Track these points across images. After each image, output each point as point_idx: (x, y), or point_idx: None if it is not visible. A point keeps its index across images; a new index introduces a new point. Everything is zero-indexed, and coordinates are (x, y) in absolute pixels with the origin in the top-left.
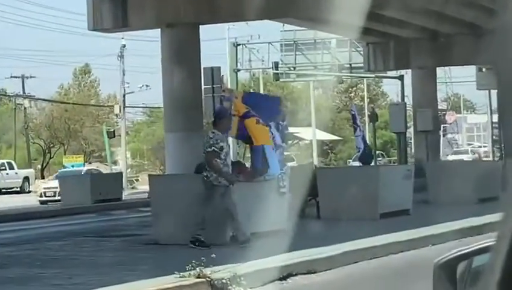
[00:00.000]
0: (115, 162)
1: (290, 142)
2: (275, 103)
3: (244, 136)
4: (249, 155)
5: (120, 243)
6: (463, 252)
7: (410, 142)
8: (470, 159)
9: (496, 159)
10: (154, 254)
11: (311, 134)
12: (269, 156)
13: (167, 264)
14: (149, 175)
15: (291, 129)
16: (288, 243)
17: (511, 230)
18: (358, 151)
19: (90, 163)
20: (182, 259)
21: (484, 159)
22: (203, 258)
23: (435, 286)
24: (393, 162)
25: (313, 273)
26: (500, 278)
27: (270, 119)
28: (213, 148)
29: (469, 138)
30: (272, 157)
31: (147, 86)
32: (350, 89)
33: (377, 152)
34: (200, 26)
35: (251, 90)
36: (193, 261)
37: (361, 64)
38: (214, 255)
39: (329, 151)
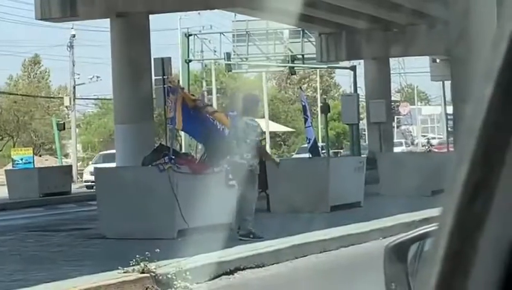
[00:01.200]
0: (65, 155)
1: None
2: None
3: (191, 129)
4: (200, 148)
5: (65, 237)
6: (415, 234)
7: (364, 134)
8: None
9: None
10: (99, 249)
11: (264, 126)
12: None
13: (112, 259)
14: (95, 168)
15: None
16: (236, 237)
17: (452, 217)
18: (308, 143)
19: (40, 156)
20: (127, 254)
21: (436, 150)
22: (147, 252)
23: (385, 268)
24: (339, 154)
25: (261, 267)
26: (441, 264)
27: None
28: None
29: (424, 129)
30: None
31: (97, 77)
32: (303, 80)
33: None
34: (151, 16)
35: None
36: (137, 256)
37: (314, 55)
38: (158, 250)
39: (282, 143)
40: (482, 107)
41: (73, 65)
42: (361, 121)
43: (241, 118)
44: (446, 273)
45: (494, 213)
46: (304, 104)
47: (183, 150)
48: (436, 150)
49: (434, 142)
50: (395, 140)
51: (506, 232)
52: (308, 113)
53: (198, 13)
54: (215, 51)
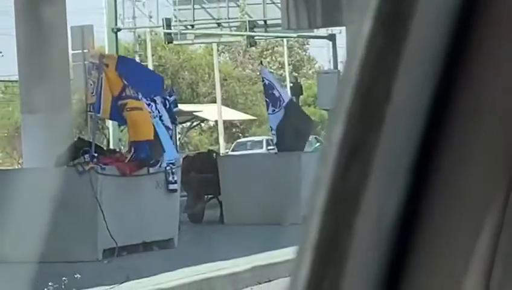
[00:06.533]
0: None
1: (188, 124)
2: (156, 81)
3: (119, 117)
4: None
5: None
6: None
7: None
8: None
9: None
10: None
11: (216, 113)
12: (163, 138)
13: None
14: None
15: (191, 107)
16: (178, 258)
17: (324, 192)
18: (273, 133)
19: None
20: (37, 282)
21: None
22: (64, 278)
23: None
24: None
25: None
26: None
27: (151, 93)
28: None
29: None
30: (167, 141)
31: None
32: (265, 53)
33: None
34: None
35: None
36: (50, 284)
37: (280, 21)
38: (78, 275)
39: (240, 134)
40: (358, 47)
41: None
42: None
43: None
44: (317, 263)
45: (373, 185)
46: (266, 82)
47: (111, 146)
48: None
49: None
50: None
51: (387, 209)
52: (276, 93)
53: None
54: (150, 17)
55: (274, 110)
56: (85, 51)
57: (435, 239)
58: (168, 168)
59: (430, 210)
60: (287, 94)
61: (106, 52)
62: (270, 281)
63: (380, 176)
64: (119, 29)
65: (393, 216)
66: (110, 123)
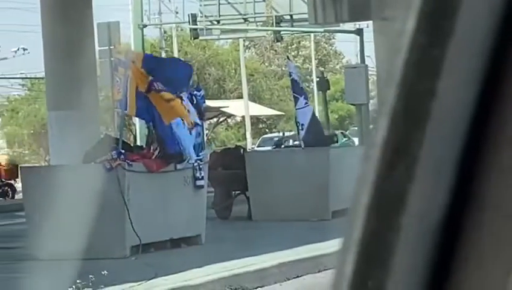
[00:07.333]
0: None
1: (214, 119)
2: (185, 70)
3: (146, 114)
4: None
5: None
6: None
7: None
8: None
9: None
10: (29, 273)
11: (243, 109)
12: (182, 138)
13: (46, 286)
14: (21, 167)
15: (217, 103)
16: (206, 254)
17: (368, 190)
18: (301, 129)
19: None
20: (65, 278)
21: None
22: (91, 276)
23: None
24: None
25: None
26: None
27: (179, 89)
28: None
29: None
30: (186, 139)
31: (24, 49)
32: (290, 47)
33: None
34: None
35: (162, 52)
36: (78, 281)
37: (306, 16)
38: (105, 272)
39: (267, 130)
40: (403, 43)
41: None
42: (371, 101)
43: None
44: (362, 261)
45: (418, 183)
46: (293, 77)
47: (138, 143)
48: None
49: None
50: None
51: (432, 206)
52: (301, 88)
53: None
54: (176, 13)
55: (301, 106)
56: (111, 47)
57: (481, 238)
58: (195, 164)
59: (476, 208)
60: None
61: (132, 49)
62: (298, 277)
63: (425, 173)
64: (145, 26)
65: (439, 214)
66: (136, 120)
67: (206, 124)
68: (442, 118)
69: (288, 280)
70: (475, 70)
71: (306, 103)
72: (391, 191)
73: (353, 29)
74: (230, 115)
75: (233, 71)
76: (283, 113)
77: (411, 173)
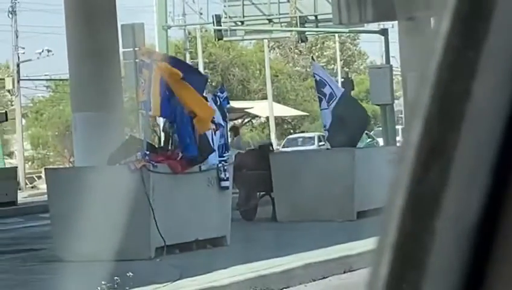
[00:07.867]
0: (9, 155)
1: (239, 120)
2: (200, 81)
3: (171, 113)
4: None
5: (10, 261)
6: None
7: (401, 117)
8: None
9: None
10: (54, 275)
11: (267, 109)
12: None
13: (71, 288)
14: (45, 169)
15: (242, 104)
16: (232, 255)
17: (403, 192)
18: (327, 130)
19: None
20: (91, 280)
21: None
22: (116, 277)
23: None
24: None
25: None
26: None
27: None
28: None
29: None
30: (219, 138)
31: (48, 51)
32: (314, 48)
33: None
34: None
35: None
36: (103, 283)
37: (331, 16)
38: (130, 274)
39: (291, 131)
40: (437, 45)
41: (17, 36)
42: (396, 101)
43: None
44: (397, 263)
45: (453, 185)
46: (318, 78)
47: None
48: None
49: None
50: None
51: (467, 209)
52: (326, 91)
53: None
54: (201, 14)
55: (326, 106)
56: (136, 48)
57: None
58: (220, 165)
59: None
60: (339, 89)
61: (157, 50)
62: (323, 278)
63: (460, 176)
64: (169, 27)
65: (474, 217)
66: (161, 121)
67: (230, 125)
68: (477, 120)
69: (314, 281)
70: (510, 71)
71: (331, 104)
72: (426, 193)
73: (378, 29)
74: (254, 116)
75: (258, 72)
76: (308, 114)
77: (446, 175)
